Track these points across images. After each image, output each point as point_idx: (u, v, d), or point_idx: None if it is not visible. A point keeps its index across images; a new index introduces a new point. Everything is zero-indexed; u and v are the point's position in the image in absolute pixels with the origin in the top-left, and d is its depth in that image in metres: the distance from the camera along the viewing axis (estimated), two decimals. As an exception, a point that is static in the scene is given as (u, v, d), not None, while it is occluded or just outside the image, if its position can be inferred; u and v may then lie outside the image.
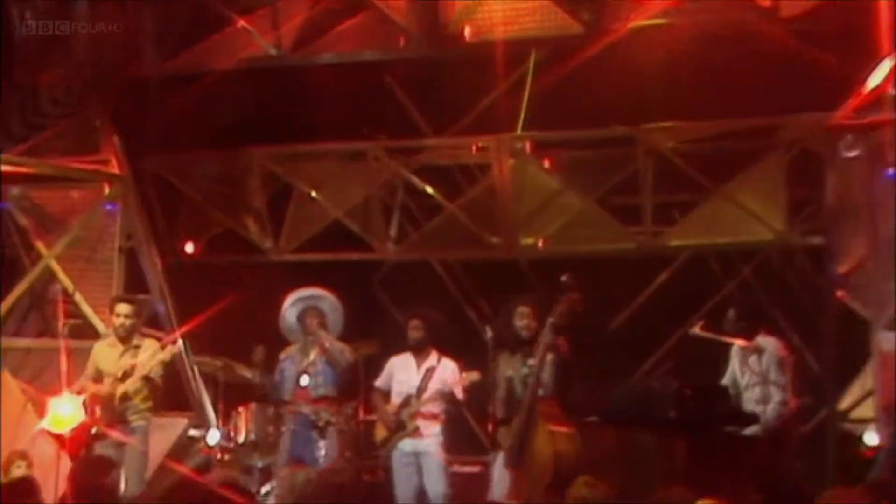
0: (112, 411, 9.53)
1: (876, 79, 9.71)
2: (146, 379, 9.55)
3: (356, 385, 10.45)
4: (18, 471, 9.81)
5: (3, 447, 10.30)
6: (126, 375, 9.55)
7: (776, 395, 9.12)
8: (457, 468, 10.11)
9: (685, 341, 10.43)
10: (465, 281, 12.45)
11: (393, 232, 12.07)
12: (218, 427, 10.67)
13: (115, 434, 9.52)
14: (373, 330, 11.27)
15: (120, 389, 9.51)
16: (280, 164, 11.94)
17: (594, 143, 11.39)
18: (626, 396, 9.22)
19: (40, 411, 10.69)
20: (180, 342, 9.97)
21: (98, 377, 9.72)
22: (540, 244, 11.52)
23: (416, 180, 11.80)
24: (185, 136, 11.74)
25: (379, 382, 9.81)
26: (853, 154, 9.80)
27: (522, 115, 11.25)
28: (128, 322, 9.72)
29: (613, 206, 11.37)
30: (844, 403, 10.36)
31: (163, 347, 9.79)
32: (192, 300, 11.49)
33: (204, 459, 10.84)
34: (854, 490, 7.28)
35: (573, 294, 8.92)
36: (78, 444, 10.34)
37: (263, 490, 9.93)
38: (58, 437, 10.36)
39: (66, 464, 10.21)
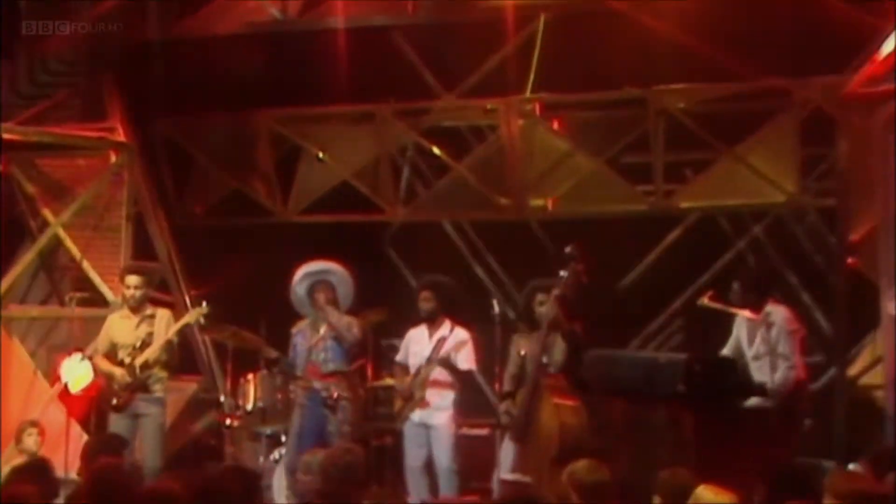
0: (132, 383, 9.54)
1: (890, 45, 9.56)
2: (168, 343, 9.56)
3: (364, 354, 10.45)
4: (30, 439, 9.92)
5: (14, 416, 10.39)
6: (145, 345, 9.56)
7: (784, 363, 9.07)
8: (465, 430, 10.09)
9: (694, 304, 10.36)
10: (475, 241, 12.39)
11: (402, 193, 12.00)
12: (226, 393, 10.71)
13: (136, 404, 9.53)
14: (383, 290, 11.24)
15: (140, 359, 9.52)
16: (288, 126, 11.88)
17: (604, 104, 11.26)
18: (633, 369, 9.17)
19: (50, 379, 10.77)
20: (204, 304, 9.93)
21: (111, 350, 9.72)
22: (549, 205, 11.47)
23: (424, 142, 11.73)
24: (193, 101, 11.64)
25: (398, 357, 9.82)
26: (866, 123, 9.68)
27: (532, 77, 11.12)
28: (138, 293, 9.71)
29: (624, 166, 11.27)
30: (855, 369, 10.34)
31: (177, 318, 9.80)
32: (201, 264, 11.52)
33: (213, 424, 10.93)
34: (858, 473, 7.33)
35: (578, 265, 8.89)
36: (87, 403, 10.44)
37: (272, 456, 9.95)
38: (68, 402, 10.44)
39: (76, 430, 10.33)
